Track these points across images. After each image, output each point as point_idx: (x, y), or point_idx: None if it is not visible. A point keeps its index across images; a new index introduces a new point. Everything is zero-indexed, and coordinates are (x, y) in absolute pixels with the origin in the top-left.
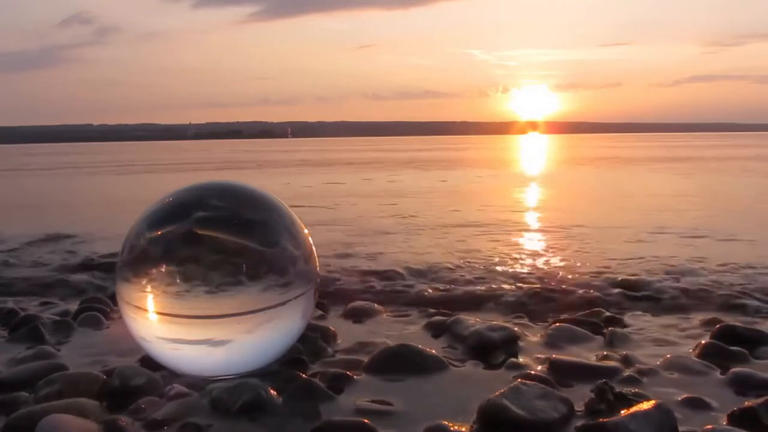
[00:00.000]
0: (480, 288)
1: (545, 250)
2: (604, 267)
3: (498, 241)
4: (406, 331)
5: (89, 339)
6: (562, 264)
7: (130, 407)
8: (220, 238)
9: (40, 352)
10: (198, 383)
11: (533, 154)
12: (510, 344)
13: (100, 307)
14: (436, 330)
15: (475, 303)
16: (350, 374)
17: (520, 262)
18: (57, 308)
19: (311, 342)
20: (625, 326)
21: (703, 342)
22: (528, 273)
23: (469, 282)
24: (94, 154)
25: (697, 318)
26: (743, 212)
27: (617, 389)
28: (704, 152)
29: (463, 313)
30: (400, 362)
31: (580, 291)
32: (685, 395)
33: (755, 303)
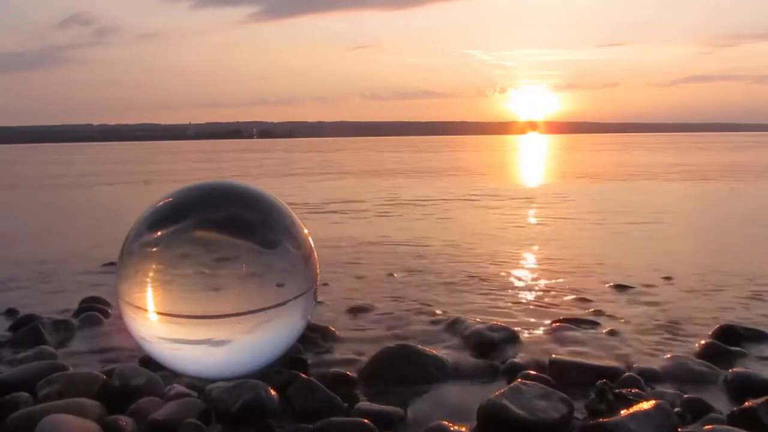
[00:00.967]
0: None
1: None
2: None
3: None
4: (407, 331)
5: (89, 339)
6: None
7: (130, 407)
8: (220, 238)
9: (40, 352)
10: (198, 383)
11: (540, 161)
12: (510, 344)
13: (100, 307)
14: (436, 330)
15: None
16: (350, 374)
17: None
18: (57, 308)
19: (311, 342)
20: (625, 326)
21: (703, 342)
22: None
23: None
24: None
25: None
26: None
27: (617, 389)
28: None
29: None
30: (400, 362)
31: None
32: (685, 395)
33: None
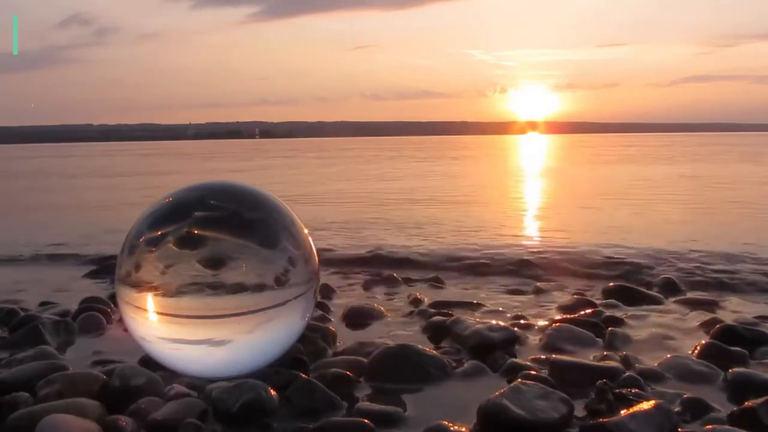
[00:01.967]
0: None
1: None
2: None
3: None
4: (407, 331)
5: (89, 339)
6: None
7: (130, 407)
8: (220, 238)
9: (40, 352)
10: (198, 383)
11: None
12: (510, 344)
13: (100, 307)
14: (436, 330)
15: None
16: (350, 374)
17: None
18: (57, 308)
19: (311, 342)
20: (625, 326)
21: (703, 342)
22: None
23: None
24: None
25: (697, 318)
26: None
27: (617, 389)
28: None
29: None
30: (400, 362)
31: None
32: (685, 395)
33: None
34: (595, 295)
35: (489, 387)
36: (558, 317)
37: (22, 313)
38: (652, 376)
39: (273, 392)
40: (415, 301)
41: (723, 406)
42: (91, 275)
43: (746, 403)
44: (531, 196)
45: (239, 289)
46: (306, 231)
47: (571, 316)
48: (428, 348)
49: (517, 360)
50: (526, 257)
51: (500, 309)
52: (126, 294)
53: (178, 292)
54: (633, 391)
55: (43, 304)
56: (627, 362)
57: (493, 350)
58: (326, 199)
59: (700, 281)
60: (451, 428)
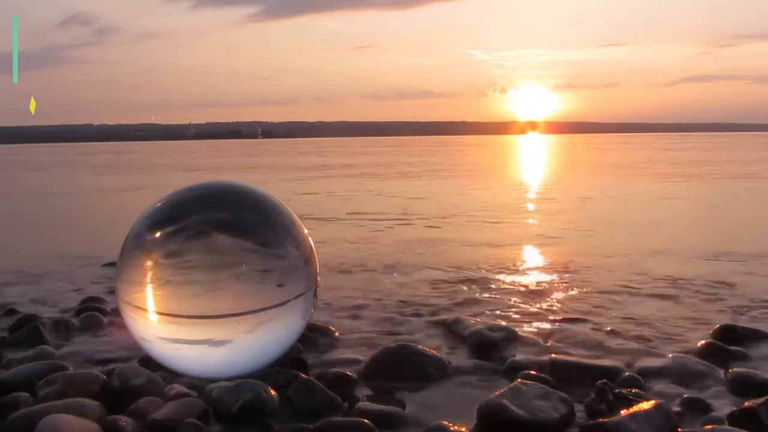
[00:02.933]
0: None
1: None
2: None
3: None
4: (406, 330)
5: (89, 339)
6: None
7: (130, 407)
8: (220, 238)
9: (40, 352)
10: (198, 383)
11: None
12: (510, 344)
13: (100, 307)
14: (436, 330)
15: None
16: (350, 374)
17: None
18: (57, 308)
19: (311, 342)
20: (626, 326)
21: (703, 342)
22: None
23: None
24: None
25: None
26: None
27: (617, 389)
28: None
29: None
30: (400, 362)
31: None
32: (685, 395)
33: None
34: (596, 295)
35: (489, 387)
36: (558, 317)
37: (22, 313)
38: (652, 376)
39: (273, 392)
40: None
41: (723, 406)
42: (91, 275)
43: (746, 403)
44: None
45: (239, 289)
46: (306, 231)
47: (572, 316)
48: (428, 348)
49: (517, 360)
50: None
51: (500, 309)
52: (126, 294)
53: (179, 293)
54: (633, 391)
55: (43, 304)
56: (627, 362)
57: (493, 350)
58: None
59: None
60: (451, 428)
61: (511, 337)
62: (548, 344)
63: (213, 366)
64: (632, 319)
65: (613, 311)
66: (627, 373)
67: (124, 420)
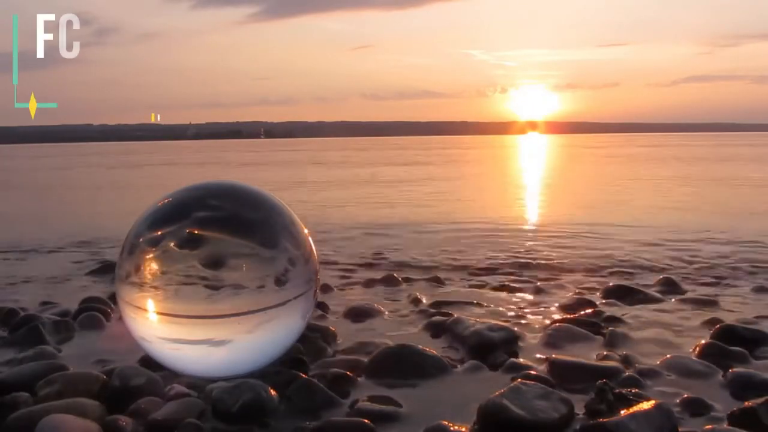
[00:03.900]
0: None
1: None
2: None
3: None
4: (407, 331)
5: (89, 339)
6: None
7: (130, 407)
8: (220, 238)
9: (40, 352)
10: (198, 383)
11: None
12: (510, 344)
13: (100, 307)
14: (436, 330)
15: None
16: (350, 374)
17: None
18: (57, 308)
19: (311, 342)
20: (625, 326)
21: (703, 342)
22: None
23: None
24: None
25: (698, 318)
26: None
27: (617, 389)
28: None
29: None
30: (400, 362)
31: None
32: (685, 395)
33: None
34: (596, 295)
35: (489, 387)
36: (558, 317)
37: (22, 313)
38: (652, 376)
39: (273, 392)
40: (415, 301)
41: (723, 406)
42: (92, 275)
43: (746, 403)
44: None
45: (239, 289)
46: (306, 231)
47: (572, 315)
48: (428, 348)
49: (517, 360)
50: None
51: (500, 308)
52: (126, 294)
53: (178, 292)
54: (633, 391)
55: (43, 303)
56: (627, 362)
57: (493, 350)
58: None
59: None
60: (451, 428)
61: (511, 337)
62: (548, 344)
63: (213, 366)
64: (632, 319)
65: (614, 310)
66: (627, 373)
67: (124, 420)
